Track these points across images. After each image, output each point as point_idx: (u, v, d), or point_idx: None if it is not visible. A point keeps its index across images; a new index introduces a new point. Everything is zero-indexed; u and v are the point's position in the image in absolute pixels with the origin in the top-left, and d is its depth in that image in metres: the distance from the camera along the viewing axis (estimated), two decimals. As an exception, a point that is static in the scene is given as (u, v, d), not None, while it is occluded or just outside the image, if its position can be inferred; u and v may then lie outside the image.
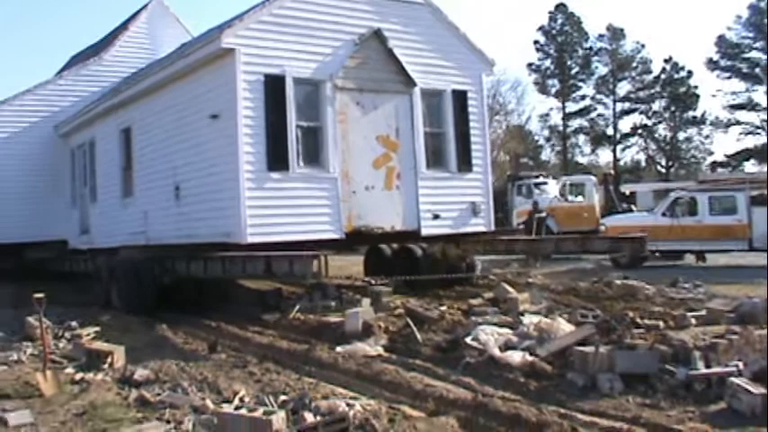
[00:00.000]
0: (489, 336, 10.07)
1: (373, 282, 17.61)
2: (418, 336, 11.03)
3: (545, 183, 38.59)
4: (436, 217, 16.53)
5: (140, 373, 9.47)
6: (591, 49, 76.52)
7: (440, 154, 17.08)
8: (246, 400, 8.05)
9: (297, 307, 14.23)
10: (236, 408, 7.36)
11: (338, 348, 10.66)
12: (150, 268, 16.03)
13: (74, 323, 13.85)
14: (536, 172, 46.90)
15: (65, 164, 24.44)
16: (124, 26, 26.65)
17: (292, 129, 14.82)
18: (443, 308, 13.20)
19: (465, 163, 17.35)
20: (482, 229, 17.59)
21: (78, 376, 9.71)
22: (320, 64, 15.28)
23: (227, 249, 14.47)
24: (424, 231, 16.45)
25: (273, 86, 14.66)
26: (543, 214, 27.06)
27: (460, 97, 17.42)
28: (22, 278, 20.76)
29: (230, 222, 14.39)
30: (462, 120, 17.38)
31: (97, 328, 13.40)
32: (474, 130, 17.65)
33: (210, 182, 15.25)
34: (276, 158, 14.56)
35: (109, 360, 10.32)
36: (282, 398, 7.98)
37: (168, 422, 7.36)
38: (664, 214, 22.85)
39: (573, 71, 76.93)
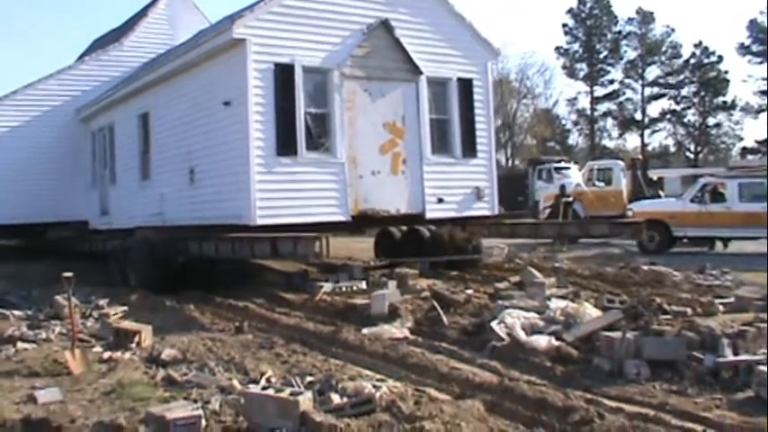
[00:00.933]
0: (515, 320, 10.04)
1: (372, 263, 18.83)
2: (444, 319, 11.04)
3: (567, 168, 38.44)
4: (440, 201, 17.05)
5: (167, 352, 9.52)
6: (620, 32, 76.10)
7: (445, 140, 17.61)
8: (273, 380, 8.09)
9: (323, 288, 14.31)
10: (263, 388, 7.38)
11: (364, 330, 10.67)
12: (165, 248, 16.54)
13: (102, 302, 13.99)
14: (558, 156, 46.74)
15: (86, 147, 25.11)
16: (144, 12, 27.34)
17: (301, 115, 15.40)
18: (470, 291, 13.21)
19: (470, 149, 17.88)
20: (486, 212, 18.12)
21: (106, 355, 9.79)
22: (329, 53, 15.83)
23: (238, 231, 15.10)
24: (429, 214, 17.00)
25: (283, 75, 15.22)
26: (570, 199, 26.91)
27: (466, 85, 17.91)
28: (44, 257, 21.33)
29: (241, 205, 15.03)
30: (467, 107, 17.89)
31: (125, 308, 13.52)
32: (479, 117, 18.15)
33: (223, 166, 15.91)
34: (285, 144, 15.14)
35: (136, 339, 10.40)
36: (309, 379, 8.01)
37: (195, 401, 7.40)
38: (692, 200, 22.66)
39: (602, 55, 76.56)
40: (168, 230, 17.90)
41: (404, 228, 19.03)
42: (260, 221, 14.73)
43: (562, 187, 27.36)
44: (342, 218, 15.78)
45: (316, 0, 15.78)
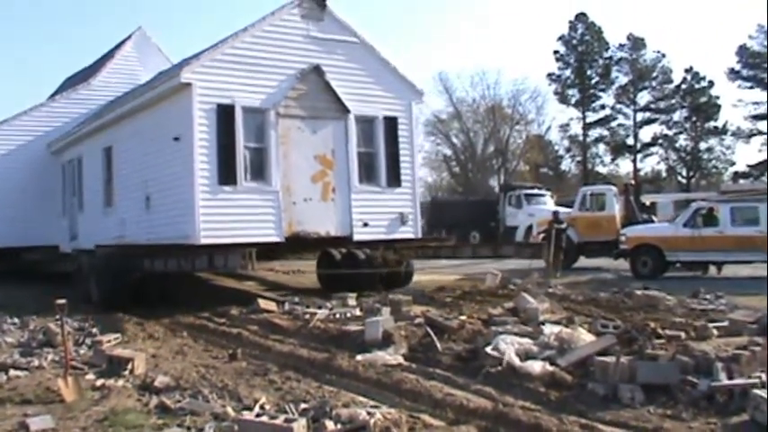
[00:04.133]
0: (509, 345, 10.04)
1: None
2: (438, 345, 11.02)
3: (542, 195, 38.65)
4: (365, 225, 18.83)
5: (161, 379, 9.50)
6: (611, 58, 76.32)
7: (372, 171, 19.50)
8: (267, 407, 8.07)
9: (317, 315, 14.33)
10: (257, 415, 7.38)
11: (358, 357, 10.68)
12: (123, 265, 18.39)
13: (95, 330, 13.95)
14: (530, 183, 47.13)
15: (56, 177, 27.32)
16: (110, 54, 29.72)
17: (241, 149, 17.39)
18: (463, 317, 13.17)
19: (394, 179, 19.74)
20: (410, 236, 19.93)
21: (99, 382, 9.75)
22: (266, 95, 17.81)
23: (185, 249, 17.45)
24: (356, 237, 18.84)
25: (225, 114, 17.23)
26: (563, 225, 26.85)
27: (391, 122, 19.81)
28: (19, 278, 24.14)
29: (188, 227, 16.94)
30: (392, 142, 19.79)
31: (118, 335, 13.48)
32: (403, 151, 20.00)
33: (173, 193, 17.90)
34: (227, 174, 17.14)
35: (129, 366, 10.37)
36: (303, 406, 7.99)
37: (189, 429, 7.40)
38: (685, 225, 22.69)
39: (593, 81, 76.72)
40: (126, 248, 19.81)
41: (343, 250, 20.53)
42: (204, 241, 16.69)
43: (555, 213, 27.27)
44: (277, 239, 17.64)
45: (254, 48, 17.76)
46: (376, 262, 19.91)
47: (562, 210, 29.93)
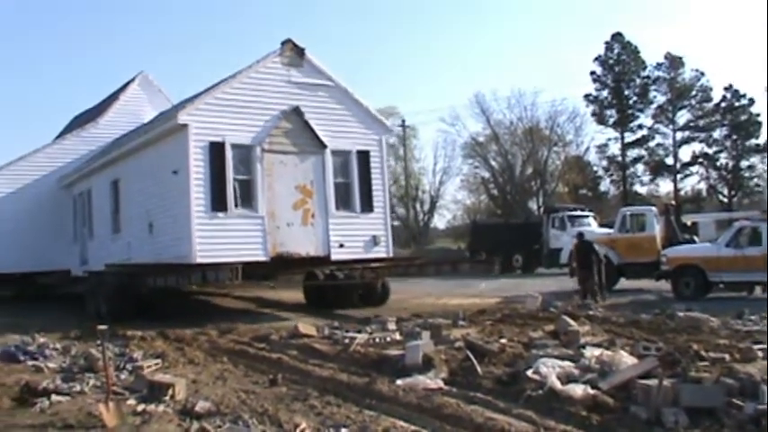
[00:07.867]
0: (550, 368, 9.95)
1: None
2: (479, 368, 10.95)
3: (585, 216, 38.37)
4: (341, 246, 21.16)
5: (201, 405, 9.50)
6: (649, 77, 75.91)
7: (347, 198, 22.05)
8: (307, 432, 8.05)
9: (357, 339, 14.31)
10: (297, 440, 7.36)
11: (398, 381, 10.61)
12: (128, 282, 21.32)
13: (135, 355, 14.02)
14: (573, 204, 46.76)
15: (68, 208, 30.40)
16: (116, 96, 32.99)
17: (230, 181, 20.00)
18: (504, 340, 13.10)
19: (367, 205, 22.28)
20: (382, 255, 22.31)
21: (140, 408, 9.77)
22: (253, 133, 20.41)
23: (184, 268, 19.69)
24: (334, 257, 21.24)
25: (216, 150, 19.85)
26: (594, 247, 26.17)
27: (364, 156, 22.46)
28: (33, 300, 27.50)
29: (185, 248, 19.54)
30: (365, 173, 22.35)
31: (158, 360, 13.54)
32: (375, 181, 22.57)
33: (172, 219, 20.54)
34: (219, 202, 19.77)
35: (170, 392, 10.38)
36: (343, 431, 7.96)
37: (229, 454, 7.38)
38: (728, 245, 22.41)
39: (631, 101, 76.27)
40: (131, 267, 22.58)
41: (327, 271, 22.81)
42: (199, 260, 19.18)
43: (580, 234, 26.20)
44: (263, 258, 20.03)
45: (242, 93, 20.35)
46: (354, 280, 22.29)
47: (603, 231, 29.63)
